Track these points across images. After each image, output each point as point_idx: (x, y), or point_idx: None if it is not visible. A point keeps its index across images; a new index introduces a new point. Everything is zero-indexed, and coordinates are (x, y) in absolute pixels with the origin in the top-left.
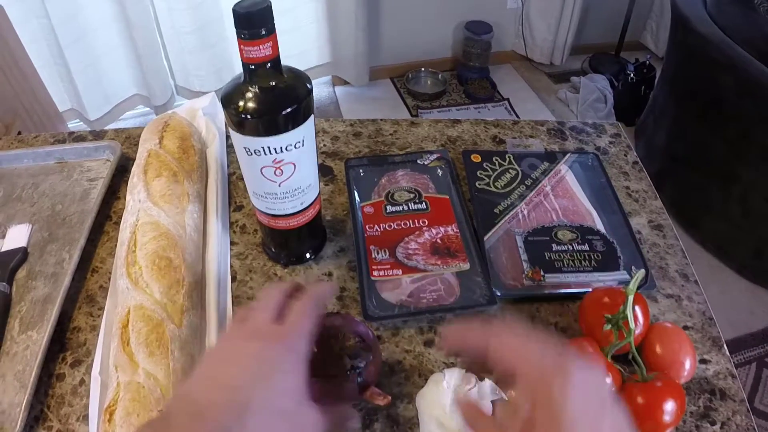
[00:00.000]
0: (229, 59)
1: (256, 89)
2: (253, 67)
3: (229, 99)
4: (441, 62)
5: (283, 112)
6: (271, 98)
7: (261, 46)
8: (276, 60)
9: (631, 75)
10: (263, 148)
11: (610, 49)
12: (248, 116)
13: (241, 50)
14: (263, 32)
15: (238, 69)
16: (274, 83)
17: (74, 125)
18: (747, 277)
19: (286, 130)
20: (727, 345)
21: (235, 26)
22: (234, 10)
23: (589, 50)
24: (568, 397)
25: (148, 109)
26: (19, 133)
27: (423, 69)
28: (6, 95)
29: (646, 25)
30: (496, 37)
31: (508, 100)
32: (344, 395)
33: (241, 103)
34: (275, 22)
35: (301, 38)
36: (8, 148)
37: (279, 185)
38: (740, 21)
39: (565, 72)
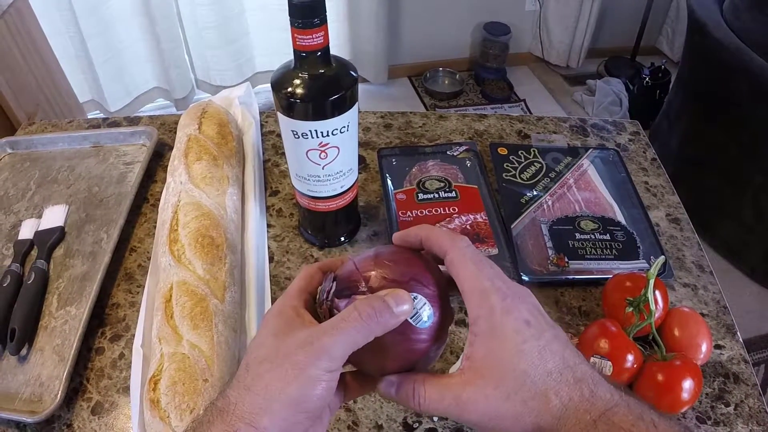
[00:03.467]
0: (249, 55)
1: (306, 76)
2: (304, 54)
3: (279, 84)
4: (459, 62)
5: (332, 98)
6: (320, 84)
7: (313, 35)
8: (326, 49)
9: (647, 79)
10: (311, 131)
11: (625, 53)
12: (298, 100)
13: (293, 38)
14: (317, 21)
15: (259, 65)
16: (323, 71)
17: (94, 117)
18: (758, 280)
19: (333, 115)
20: None
21: (290, 15)
22: (289, 0)
23: (605, 54)
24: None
25: (168, 102)
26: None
27: (441, 69)
28: (29, 86)
29: (662, 30)
30: (514, 39)
31: (524, 101)
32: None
33: (291, 88)
34: None
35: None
36: (43, 132)
37: (322, 168)
38: (756, 27)
39: (580, 75)
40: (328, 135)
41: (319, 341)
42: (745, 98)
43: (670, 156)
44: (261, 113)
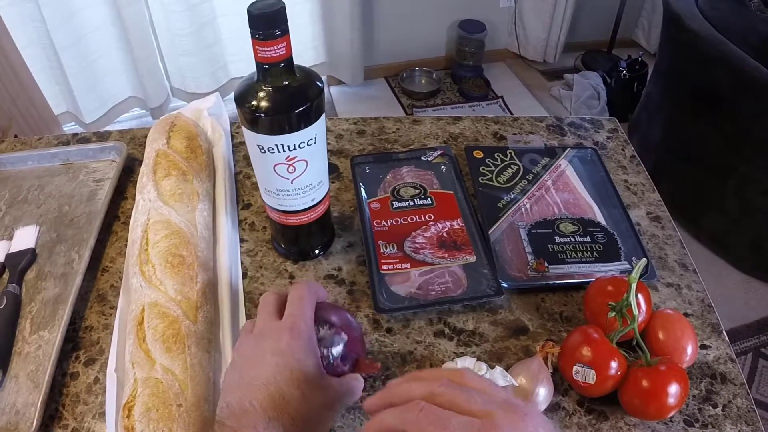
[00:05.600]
0: (224, 61)
1: (270, 88)
2: (266, 66)
3: (243, 98)
4: (435, 61)
5: (297, 111)
6: (284, 97)
7: (275, 47)
8: (289, 60)
9: (624, 71)
10: (277, 145)
11: (602, 46)
12: (262, 114)
13: (255, 50)
14: (278, 33)
15: (234, 71)
16: (287, 82)
17: (70, 128)
18: (743, 269)
19: (299, 128)
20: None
21: (250, 27)
22: (249, 11)
23: (581, 48)
24: None
25: (144, 111)
26: (15, 136)
27: (417, 68)
28: (2, 99)
29: (637, 22)
30: (490, 36)
31: (502, 98)
32: None
33: (255, 102)
34: None
35: (297, 38)
36: (12, 150)
37: (291, 182)
38: (731, 17)
39: (558, 69)
40: (295, 148)
41: (339, 403)
42: (724, 88)
43: (651, 148)
44: (232, 124)
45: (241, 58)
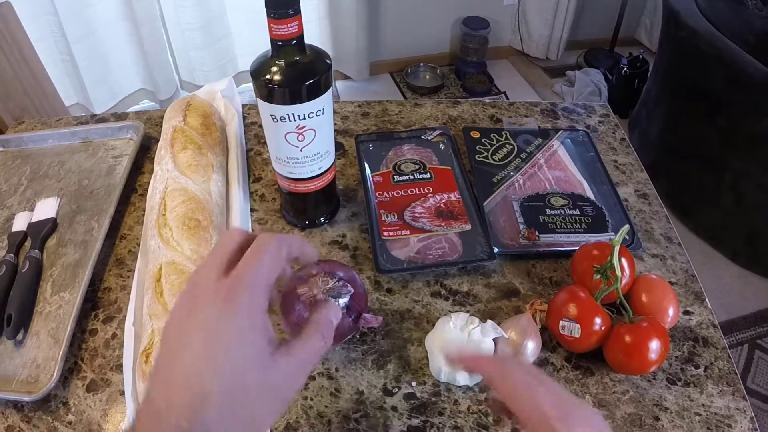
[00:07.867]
0: (232, 54)
1: (283, 63)
2: (280, 43)
3: (258, 72)
4: (439, 57)
5: (307, 83)
6: (296, 71)
7: (288, 25)
8: (300, 38)
9: (625, 69)
10: (288, 115)
11: (604, 44)
12: (276, 86)
13: (270, 28)
14: (291, 12)
15: (242, 64)
16: (298, 58)
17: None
18: (739, 263)
19: (308, 99)
20: (720, 328)
21: (266, 6)
22: None
23: (584, 45)
24: None
25: (153, 103)
26: None
27: (422, 64)
28: (15, 91)
29: (640, 21)
30: (493, 33)
31: (504, 93)
32: (343, 333)
33: (269, 75)
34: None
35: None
36: (33, 130)
37: (300, 150)
38: (729, 15)
39: (560, 66)
40: (304, 118)
41: (301, 373)
42: (721, 85)
43: (650, 144)
44: (243, 106)
45: (248, 52)
